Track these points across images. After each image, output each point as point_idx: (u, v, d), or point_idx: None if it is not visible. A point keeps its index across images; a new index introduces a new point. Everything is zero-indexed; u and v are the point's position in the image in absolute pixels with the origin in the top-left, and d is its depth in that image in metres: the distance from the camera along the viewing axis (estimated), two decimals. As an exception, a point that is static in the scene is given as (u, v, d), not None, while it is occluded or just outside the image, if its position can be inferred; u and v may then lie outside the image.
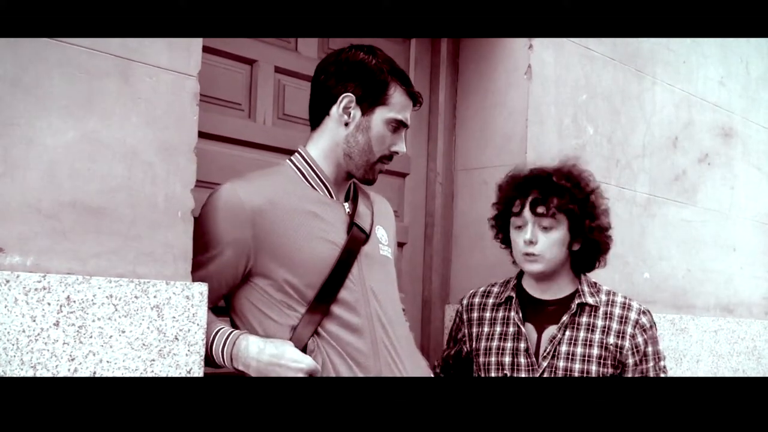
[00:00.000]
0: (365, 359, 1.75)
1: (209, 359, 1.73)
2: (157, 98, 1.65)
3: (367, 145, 1.82)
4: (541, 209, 2.02)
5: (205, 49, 1.88)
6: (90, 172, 1.55)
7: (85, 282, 1.51)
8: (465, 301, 2.20)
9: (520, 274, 2.18)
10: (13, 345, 1.43)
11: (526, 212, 2.04)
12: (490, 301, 2.16)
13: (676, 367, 3.12)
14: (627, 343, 2.05)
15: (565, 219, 2.04)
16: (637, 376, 2.06)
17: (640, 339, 2.06)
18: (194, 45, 1.71)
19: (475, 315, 2.16)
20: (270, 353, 1.67)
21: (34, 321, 1.45)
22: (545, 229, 2.03)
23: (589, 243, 2.08)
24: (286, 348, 1.68)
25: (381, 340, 1.79)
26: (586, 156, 2.81)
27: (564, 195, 2.02)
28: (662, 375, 2.09)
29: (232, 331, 1.72)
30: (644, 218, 3.09)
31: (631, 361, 2.05)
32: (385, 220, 1.98)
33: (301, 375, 1.66)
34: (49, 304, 1.47)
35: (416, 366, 1.92)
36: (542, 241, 2.03)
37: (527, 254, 2.04)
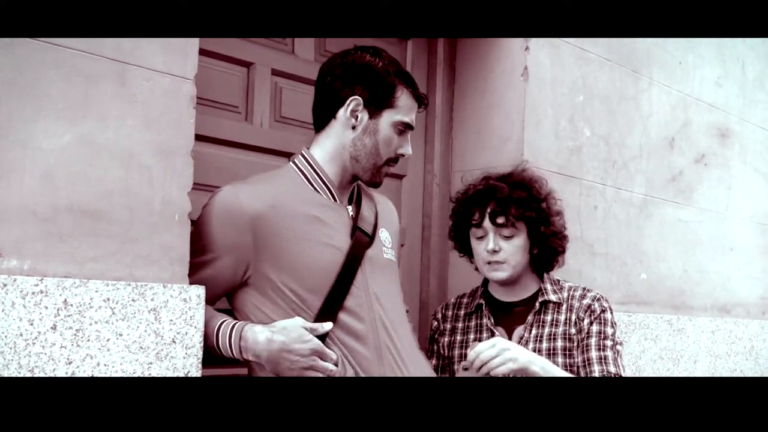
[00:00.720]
0: (369, 364, 1.75)
1: (212, 352, 1.72)
2: (154, 101, 1.65)
3: (374, 148, 1.82)
4: (500, 220, 2.06)
5: (202, 52, 1.88)
6: (86, 175, 1.55)
7: (82, 285, 1.51)
8: (439, 315, 2.24)
9: (485, 282, 2.21)
10: (10, 349, 1.42)
11: (486, 223, 2.08)
12: (462, 312, 2.20)
13: (673, 368, 3.12)
14: (579, 327, 2.09)
15: (524, 226, 2.09)
16: (578, 355, 2.07)
17: (586, 321, 2.09)
18: (191, 48, 1.71)
19: (448, 326, 2.20)
20: (279, 340, 1.66)
21: (32, 324, 1.45)
22: (506, 237, 2.07)
23: (546, 246, 2.14)
24: (291, 332, 1.67)
25: (385, 344, 1.79)
26: (582, 157, 2.82)
27: (520, 204, 2.07)
28: (607, 352, 2.07)
29: (234, 323, 1.70)
30: (641, 219, 3.09)
31: (577, 338, 2.08)
32: (388, 223, 1.97)
33: (311, 355, 1.66)
34: (46, 307, 1.47)
35: (420, 369, 1.91)
36: (505, 248, 2.07)
37: (491, 263, 2.08)
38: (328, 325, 1.72)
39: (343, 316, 1.74)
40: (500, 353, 1.87)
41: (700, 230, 3.41)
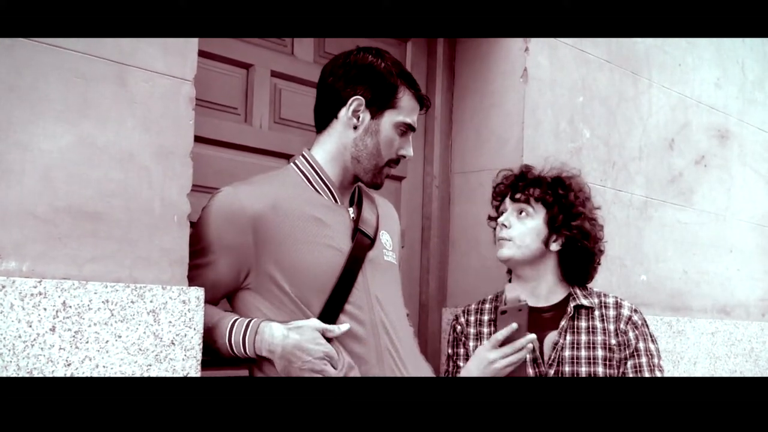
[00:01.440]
0: (369, 367, 1.75)
1: (220, 350, 1.71)
2: (153, 103, 1.65)
3: (375, 149, 1.82)
4: (518, 195, 2.08)
5: (201, 54, 1.88)
6: (86, 177, 1.55)
7: (81, 287, 1.51)
8: (462, 319, 2.19)
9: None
10: (9, 350, 1.42)
11: (507, 200, 2.11)
12: (485, 317, 2.16)
13: (673, 369, 3.12)
14: (620, 339, 2.06)
15: (542, 209, 2.07)
16: (630, 372, 2.05)
17: (631, 335, 2.07)
18: (190, 49, 1.70)
19: (473, 330, 2.15)
20: (294, 338, 1.66)
21: (30, 326, 1.45)
22: (520, 215, 2.08)
23: (573, 246, 2.08)
24: (306, 332, 1.67)
25: (385, 346, 1.78)
26: (582, 158, 2.81)
27: (543, 186, 2.08)
28: (658, 373, 2.08)
29: (251, 320, 1.70)
30: (641, 220, 3.09)
31: (622, 355, 2.05)
32: (389, 225, 1.97)
33: (323, 358, 1.66)
34: (45, 309, 1.47)
35: (420, 372, 1.91)
36: (516, 226, 2.07)
37: (500, 239, 2.09)
38: (344, 327, 1.72)
39: (343, 318, 1.74)
40: None
41: (700, 232, 3.41)
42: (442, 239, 2.72)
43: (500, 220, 2.07)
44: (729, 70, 3.60)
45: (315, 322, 1.70)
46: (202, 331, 1.67)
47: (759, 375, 3.64)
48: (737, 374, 3.50)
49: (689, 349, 3.22)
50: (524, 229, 2.06)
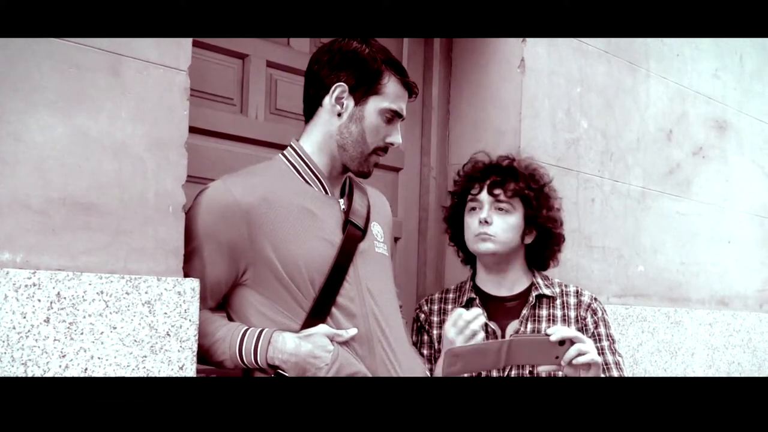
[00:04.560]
0: (360, 359, 1.74)
1: (218, 365, 1.70)
2: (147, 93, 1.64)
3: (360, 136, 1.79)
4: (498, 191, 2.06)
5: (196, 44, 1.87)
6: (80, 168, 1.54)
7: (75, 278, 1.50)
8: (426, 308, 2.19)
9: (474, 276, 2.19)
10: (3, 342, 1.42)
11: (483, 194, 2.08)
12: (449, 306, 2.16)
13: (671, 360, 3.12)
14: (579, 325, 2.09)
15: (520, 205, 2.08)
16: None
17: (589, 320, 2.10)
18: (184, 39, 1.69)
19: (436, 318, 2.16)
20: (307, 348, 1.66)
21: (25, 318, 1.44)
22: (500, 211, 2.06)
23: (543, 236, 2.12)
24: (316, 339, 1.68)
25: (377, 338, 1.77)
26: (579, 149, 2.81)
27: (520, 181, 2.07)
28: (618, 357, 2.10)
29: (262, 330, 1.68)
30: (638, 212, 3.08)
31: None
32: (381, 216, 1.95)
33: (333, 364, 1.67)
34: (39, 300, 1.46)
35: (412, 364, 1.90)
36: (497, 222, 2.06)
37: (480, 234, 2.06)
38: (352, 331, 1.72)
39: (335, 311, 1.73)
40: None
41: (698, 223, 3.40)
42: (439, 231, 2.70)
43: (481, 216, 2.06)
44: (727, 60, 3.59)
45: (324, 328, 1.69)
46: (197, 323, 1.67)
47: (756, 365, 3.64)
48: (735, 365, 3.50)
49: (687, 340, 3.22)
50: (505, 225, 2.07)
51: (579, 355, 1.80)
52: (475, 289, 2.16)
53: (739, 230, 3.66)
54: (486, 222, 2.05)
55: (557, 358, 1.80)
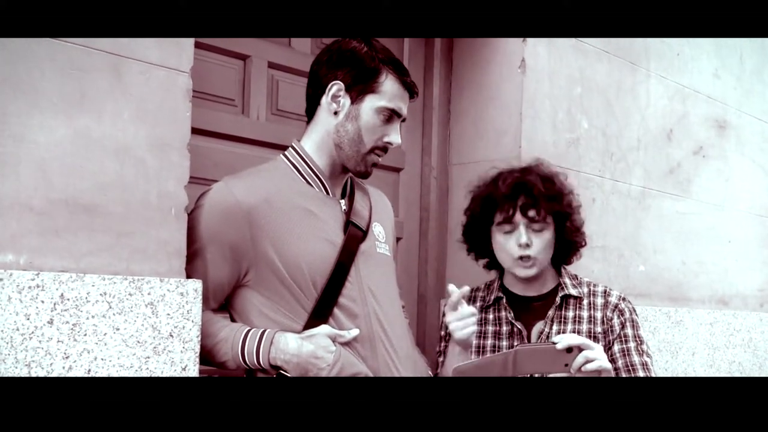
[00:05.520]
0: (363, 359, 1.74)
1: (221, 365, 1.70)
2: (149, 94, 1.64)
3: (357, 135, 1.78)
4: (532, 213, 2.02)
5: (198, 45, 1.87)
6: (82, 169, 1.55)
7: (78, 279, 1.50)
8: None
9: (501, 275, 2.18)
10: (7, 343, 1.42)
11: (518, 217, 2.03)
12: (477, 304, 2.16)
13: (672, 360, 3.13)
14: (605, 327, 2.06)
15: (552, 220, 2.06)
16: (618, 356, 2.05)
17: (615, 321, 2.07)
18: (186, 41, 1.70)
19: None
20: (309, 348, 1.67)
21: (28, 319, 1.45)
22: (536, 231, 2.03)
23: (567, 242, 2.11)
24: (319, 340, 1.68)
25: (379, 338, 1.77)
26: (580, 149, 2.81)
27: (551, 198, 2.04)
28: (647, 358, 2.08)
29: (264, 330, 1.69)
30: (639, 211, 3.09)
31: (606, 342, 2.06)
32: (382, 217, 1.95)
33: (335, 364, 1.67)
34: (42, 302, 1.46)
35: (414, 364, 1.90)
36: (536, 243, 2.03)
37: (522, 258, 2.03)
38: (354, 332, 1.72)
39: (337, 311, 1.73)
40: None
41: (698, 222, 3.41)
42: (440, 231, 2.71)
43: (522, 240, 2.01)
44: (727, 60, 3.59)
45: (326, 329, 1.70)
46: (200, 324, 1.67)
47: (757, 365, 3.65)
48: (735, 364, 3.51)
49: (688, 340, 3.23)
50: (543, 243, 2.04)
51: (587, 362, 1.77)
52: (503, 289, 2.15)
53: (739, 230, 3.66)
54: (527, 245, 2.02)
55: (566, 365, 1.77)
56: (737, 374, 3.51)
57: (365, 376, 1.72)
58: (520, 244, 2.02)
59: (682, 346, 3.19)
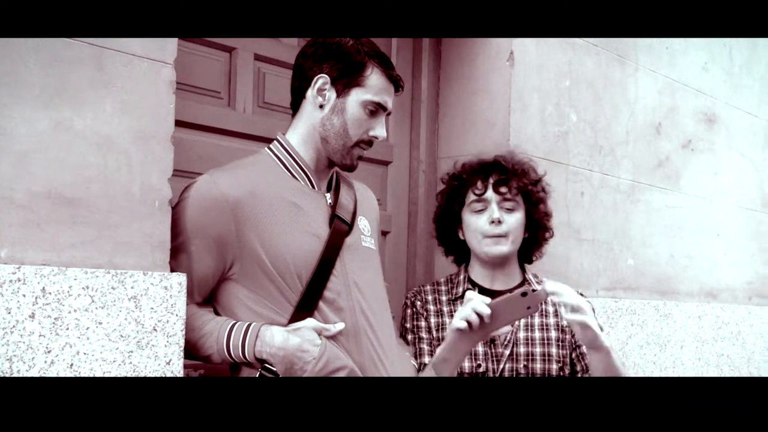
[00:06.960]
0: (348, 353, 1.73)
1: (211, 357, 1.69)
2: (133, 86, 1.62)
3: (342, 128, 1.78)
4: (504, 189, 2.04)
5: (183, 37, 1.86)
6: (64, 162, 1.53)
7: (60, 273, 1.49)
8: (421, 296, 2.17)
9: (466, 268, 2.18)
10: (-13, 337, 1.41)
11: (489, 193, 2.05)
12: (444, 297, 2.15)
13: (660, 353, 3.13)
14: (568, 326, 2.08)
15: (522, 202, 2.08)
16: (577, 353, 2.09)
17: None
18: (170, 32, 1.68)
19: (433, 308, 2.14)
20: (295, 341, 1.65)
21: (9, 313, 1.43)
22: (508, 210, 2.06)
23: (536, 230, 2.13)
24: (304, 333, 1.67)
25: (364, 332, 1.77)
26: (569, 143, 2.81)
27: (523, 176, 2.07)
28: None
29: (250, 324, 1.68)
30: (628, 204, 3.09)
31: (572, 335, 2.08)
32: (368, 210, 1.94)
33: (320, 358, 1.66)
34: (24, 295, 1.45)
35: (400, 358, 1.90)
36: (507, 221, 2.05)
37: (493, 236, 2.04)
38: (340, 325, 1.71)
39: (322, 304, 1.73)
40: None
41: (687, 216, 3.41)
42: (429, 224, 2.70)
43: (493, 216, 2.03)
44: (716, 53, 3.59)
45: (312, 322, 1.69)
46: (184, 317, 1.66)
47: (746, 357, 3.66)
48: (724, 357, 3.52)
49: (676, 333, 3.23)
50: (515, 223, 2.06)
51: (574, 311, 1.81)
52: (470, 282, 2.16)
53: (728, 223, 3.67)
54: (499, 222, 2.03)
55: (528, 308, 1.82)
56: (725, 367, 3.52)
57: (353, 375, 1.71)
58: (492, 220, 2.04)
59: (670, 339, 3.19)
